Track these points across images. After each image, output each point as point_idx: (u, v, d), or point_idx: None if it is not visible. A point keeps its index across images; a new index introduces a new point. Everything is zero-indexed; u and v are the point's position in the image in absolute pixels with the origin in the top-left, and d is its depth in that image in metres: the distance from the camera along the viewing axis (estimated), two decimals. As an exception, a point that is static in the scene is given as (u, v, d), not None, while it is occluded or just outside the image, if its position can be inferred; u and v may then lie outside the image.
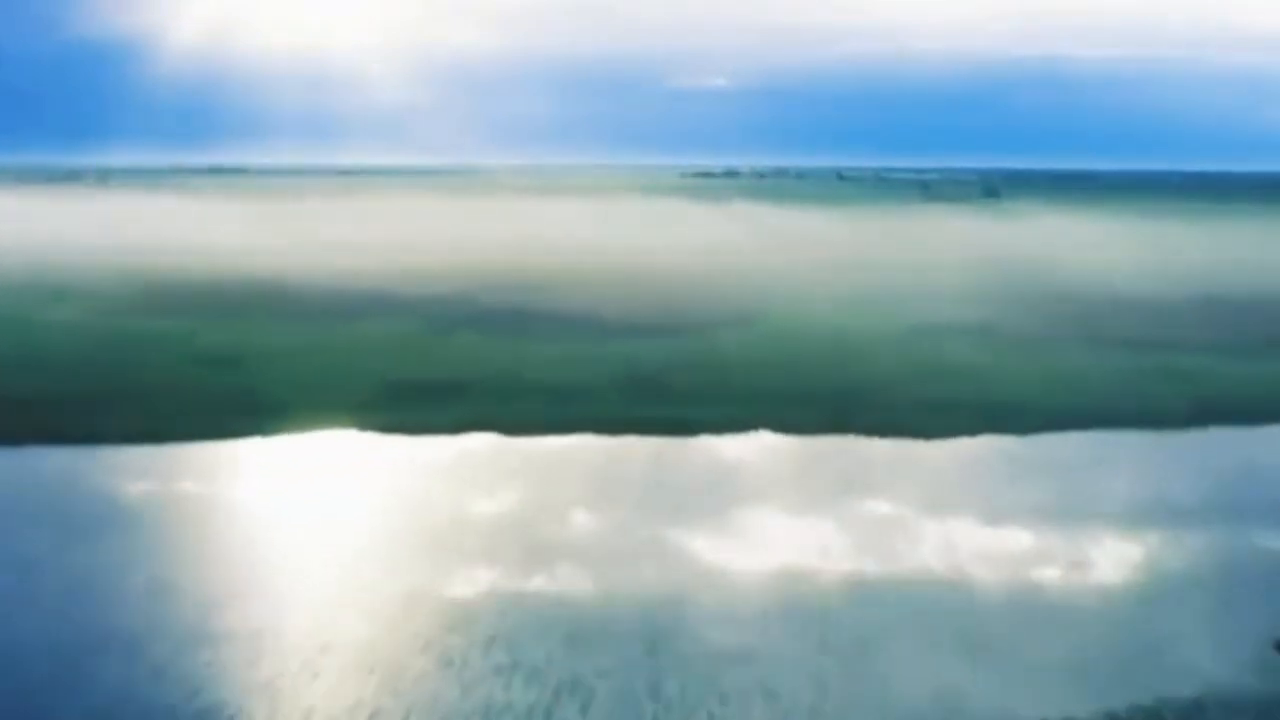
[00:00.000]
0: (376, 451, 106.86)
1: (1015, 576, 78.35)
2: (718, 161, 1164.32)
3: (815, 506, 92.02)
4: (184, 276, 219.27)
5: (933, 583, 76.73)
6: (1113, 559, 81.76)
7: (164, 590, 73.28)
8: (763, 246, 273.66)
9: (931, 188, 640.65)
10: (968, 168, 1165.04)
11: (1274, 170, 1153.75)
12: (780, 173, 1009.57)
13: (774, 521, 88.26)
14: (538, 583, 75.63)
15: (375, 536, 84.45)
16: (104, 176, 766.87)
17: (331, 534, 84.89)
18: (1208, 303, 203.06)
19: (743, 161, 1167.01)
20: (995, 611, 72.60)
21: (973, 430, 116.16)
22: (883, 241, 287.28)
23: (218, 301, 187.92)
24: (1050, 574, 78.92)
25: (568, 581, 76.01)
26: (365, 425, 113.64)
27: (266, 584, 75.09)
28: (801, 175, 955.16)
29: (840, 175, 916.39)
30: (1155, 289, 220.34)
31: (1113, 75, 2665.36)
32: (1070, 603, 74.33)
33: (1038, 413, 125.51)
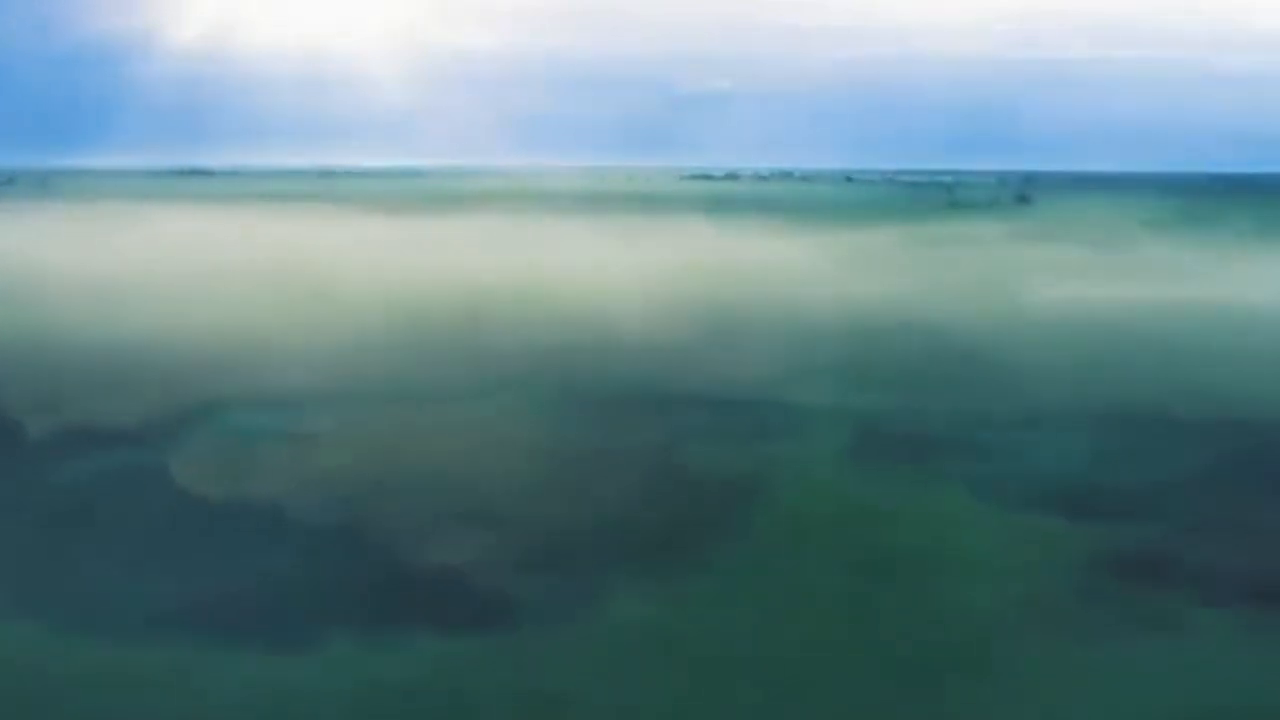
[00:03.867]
0: None
1: None
2: (721, 163, 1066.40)
3: None
4: None
5: None
6: None
7: None
8: (748, 300, 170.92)
9: (955, 192, 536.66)
10: (976, 169, 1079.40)
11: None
12: (784, 175, 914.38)
13: None
14: None
15: None
16: (44, 181, 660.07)
17: None
18: None
19: (747, 164, 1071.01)
20: None
21: None
22: (924, 289, 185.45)
23: None
24: None
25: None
26: None
27: None
28: (807, 178, 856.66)
29: (849, 178, 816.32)
30: None
31: (1120, 76, 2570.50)
32: None
33: None
